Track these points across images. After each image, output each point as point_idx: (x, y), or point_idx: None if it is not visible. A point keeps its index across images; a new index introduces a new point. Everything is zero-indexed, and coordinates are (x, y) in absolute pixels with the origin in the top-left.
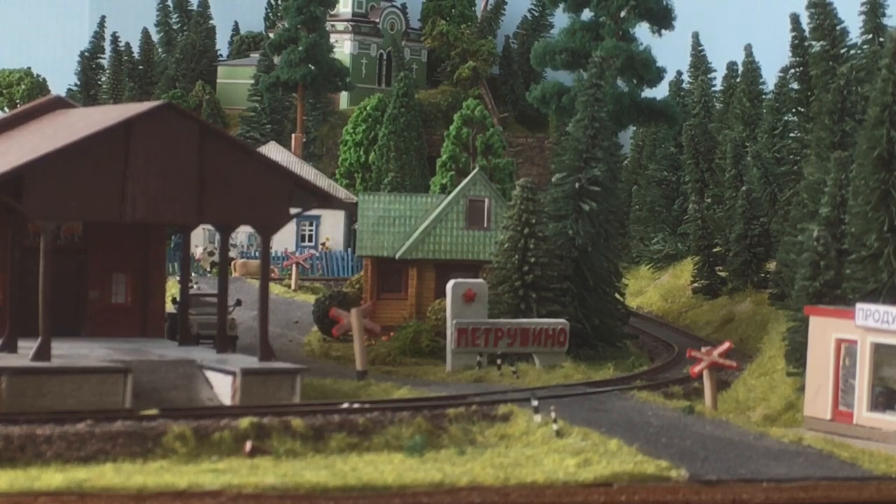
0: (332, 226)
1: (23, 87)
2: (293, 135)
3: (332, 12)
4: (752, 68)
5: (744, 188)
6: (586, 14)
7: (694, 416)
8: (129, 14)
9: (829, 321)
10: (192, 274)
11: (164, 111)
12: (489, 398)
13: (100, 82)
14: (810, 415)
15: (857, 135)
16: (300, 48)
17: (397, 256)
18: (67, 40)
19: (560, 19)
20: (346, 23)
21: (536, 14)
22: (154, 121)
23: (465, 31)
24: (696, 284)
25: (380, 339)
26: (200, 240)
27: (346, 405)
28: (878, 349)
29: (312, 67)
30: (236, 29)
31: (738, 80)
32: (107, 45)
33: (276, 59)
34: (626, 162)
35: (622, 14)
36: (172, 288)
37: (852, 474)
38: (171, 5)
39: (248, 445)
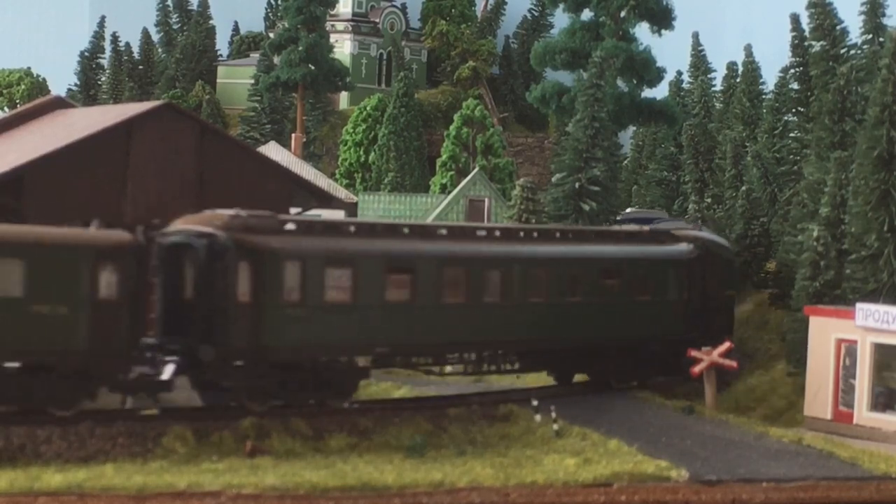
0: None
1: (23, 87)
2: (293, 135)
3: (332, 12)
4: (752, 68)
5: (744, 188)
6: (586, 14)
7: (694, 416)
8: (129, 14)
9: (829, 321)
10: None
11: (163, 111)
12: (490, 398)
13: (100, 82)
14: (810, 415)
15: (857, 135)
16: (300, 48)
17: None
18: (67, 40)
19: (560, 19)
20: (346, 23)
21: (536, 14)
22: (154, 121)
23: (465, 31)
24: None
25: None
26: None
27: (346, 405)
28: (878, 349)
29: (312, 67)
30: (236, 29)
31: (738, 80)
32: (107, 45)
33: (276, 59)
34: (626, 162)
35: (622, 14)
36: None
37: (852, 474)
38: (171, 5)
39: (248, 445)
